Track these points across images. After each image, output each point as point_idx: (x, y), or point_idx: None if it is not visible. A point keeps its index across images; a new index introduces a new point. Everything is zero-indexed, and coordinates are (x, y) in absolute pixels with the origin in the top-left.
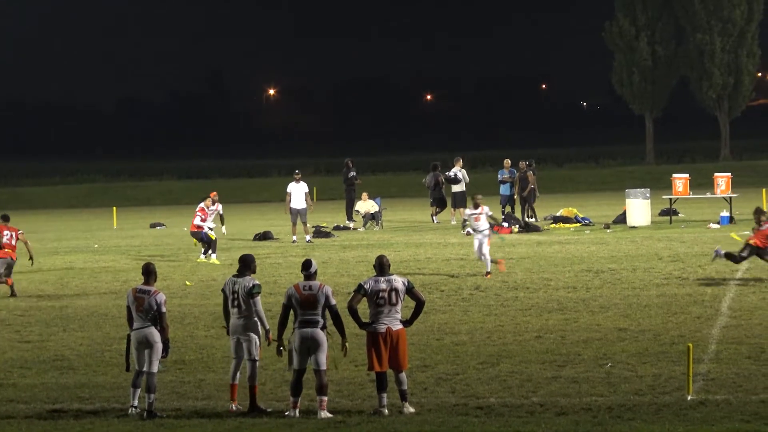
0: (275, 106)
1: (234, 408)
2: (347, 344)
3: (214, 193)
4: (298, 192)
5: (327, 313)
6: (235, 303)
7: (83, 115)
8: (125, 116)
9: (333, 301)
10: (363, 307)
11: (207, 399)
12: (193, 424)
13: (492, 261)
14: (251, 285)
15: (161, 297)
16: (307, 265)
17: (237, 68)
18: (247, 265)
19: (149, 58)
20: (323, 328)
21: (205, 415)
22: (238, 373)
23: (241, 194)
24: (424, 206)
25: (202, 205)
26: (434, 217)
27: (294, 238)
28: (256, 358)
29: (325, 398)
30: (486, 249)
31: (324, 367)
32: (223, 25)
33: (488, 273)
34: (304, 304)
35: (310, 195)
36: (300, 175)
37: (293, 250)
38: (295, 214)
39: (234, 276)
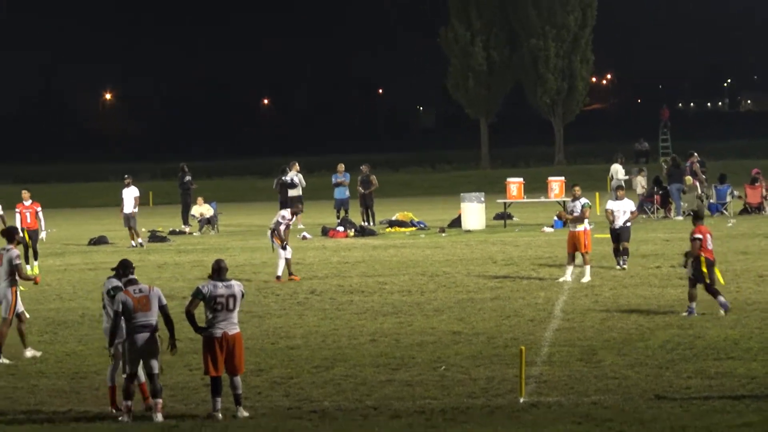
0: (111, 111)
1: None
2: (176, 343)
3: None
4: (127, 196)
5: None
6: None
7: None
8: None
9: (164, 301)
10: (200, 311)
11: (40, 404)
12: (25, 429)
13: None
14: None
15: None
16: (126, 265)
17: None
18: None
19: None
20: (155, 331)
21: (38, 420)
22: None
23: (76, 199)
24: (260, 210)
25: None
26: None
27: (132, 242)
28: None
29: (161, 401)
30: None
31: (157, 370)
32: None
33: (278, 277)
34: (137, 308)
35: (141, 199)
36: (130, 180)
37: (129, 255)
38: (125, 218)
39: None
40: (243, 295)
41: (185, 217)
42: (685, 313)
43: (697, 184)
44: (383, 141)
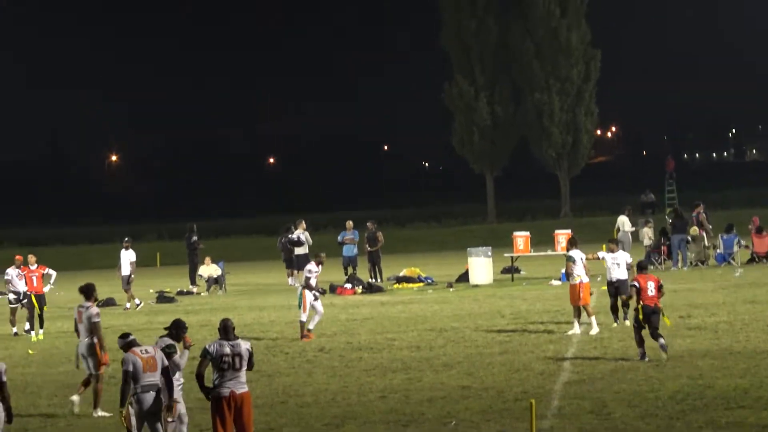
0: (117, 172)
1: None
2: (174, 406)
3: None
4: (123, 259)
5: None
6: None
7: None
8: None
9: (167, 362)
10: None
11: None
12: None
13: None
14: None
15: (2, 366)
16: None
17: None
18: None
19: None
20: (160, 392)
21: None
22: None
23: (82, 261)
24: (267, 269)
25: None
26: (290, 279)
27: (127, 305)
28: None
29: None
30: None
31: (161, 430)
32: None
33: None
34: (145, 368)
35: (148, 260)
36: (129, 243)
37: (136, 316)
38: (123, 281)
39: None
40: (251, 354)
41: (192, 277)
42: (638, 358)
43: (704, 234)
44: (389, 198)
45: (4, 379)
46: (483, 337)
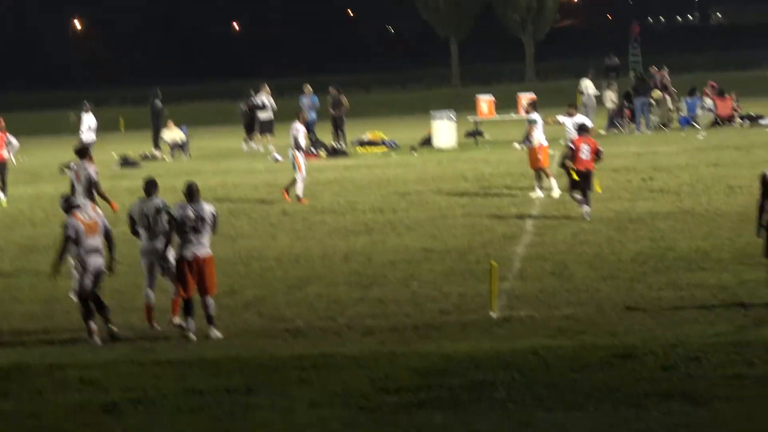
0: (81, 38)
1: (158, 327)
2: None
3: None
4: (84, 123)
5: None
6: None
7: None
8: None
9: (109, 227)
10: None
11: (14, 330)
12: None
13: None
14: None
15: None
16: (67, 198)
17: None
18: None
19: None
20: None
21: (11, 345)
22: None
23: (48, 127)
24: (231, 134)
25: None
26: (245, 144)
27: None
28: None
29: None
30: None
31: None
32: None
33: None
34: (87, 232)
35: (112, 124)
36: (88, 107)
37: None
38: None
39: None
40: (215, 218)
41: (156, 142)
42: (585, 217)
43: (667, 97)
44: (353, 62)
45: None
46: (446, 200)
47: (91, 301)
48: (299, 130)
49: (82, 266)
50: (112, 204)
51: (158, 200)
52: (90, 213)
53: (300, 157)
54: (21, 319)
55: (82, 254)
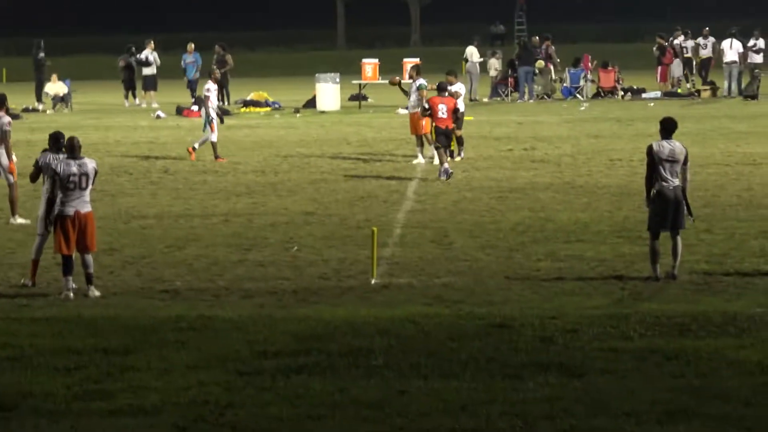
0: None
1: (30, 283)
2: None
3: None
4: None
5: None
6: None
7: None
8: None
9: None
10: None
11: None
12: None
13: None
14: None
15: None
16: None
17: None
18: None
19: None
20: None
21: None
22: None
23: None
24: (114, 89)
25: None
26: (126, 101)
27: None
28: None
29: None
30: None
31: None
32: None
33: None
34: None
35: None
36: None
37: None
38: None
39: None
40: (96, 173)
41: (39, 95)
42: (441, 177)
43: (551, 67)
44: (238, 19)
45: None
46: (328, 163)
47: None
48: (211, 90)
49: None
50: (11, 164)
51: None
52: None
53: (213, 115)
54: None
55: None
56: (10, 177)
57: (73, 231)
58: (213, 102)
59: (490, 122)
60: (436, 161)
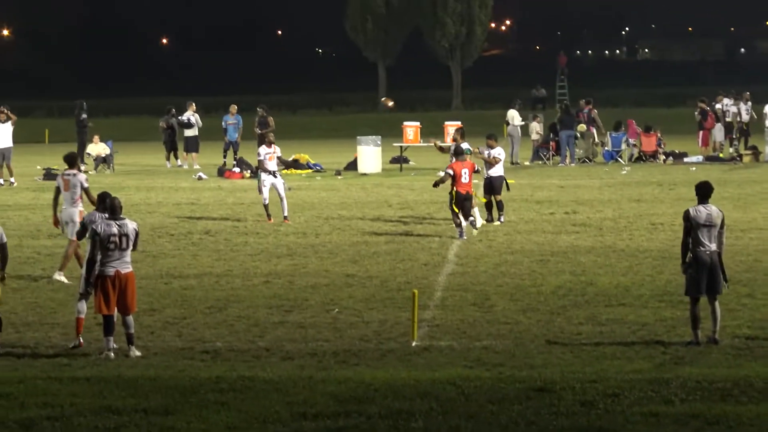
0: (9, 46)
1: (81, 341)
2: (5, 275)
3: None
4: (3, 132)
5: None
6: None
7: None
8: None
9: (5, 239)
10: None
11: None
12: None
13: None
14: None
15: None
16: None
17: None
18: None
19: None
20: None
21: None
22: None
23: None
24: (156, 150)
25: None
26: (168, 162)
27: (12, 180)
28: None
29: None
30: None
31: None
32: None
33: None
34: None
35: (36, 136)
36: (5, 115)
37: (23, 192)
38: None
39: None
40: (137, 234)
41: (81, 156)
42: (458, 237)
43: (594, 131)
44: (282, 83)
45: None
46: (369, 225)
47: None
48: (263, 153)
49: None
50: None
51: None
52: None
53: (265, 179)
54: None
55: None
56: (72, 234)
57: (113, 291)
58: (267, 165)
59: (532, 186)
60: (478, 224)
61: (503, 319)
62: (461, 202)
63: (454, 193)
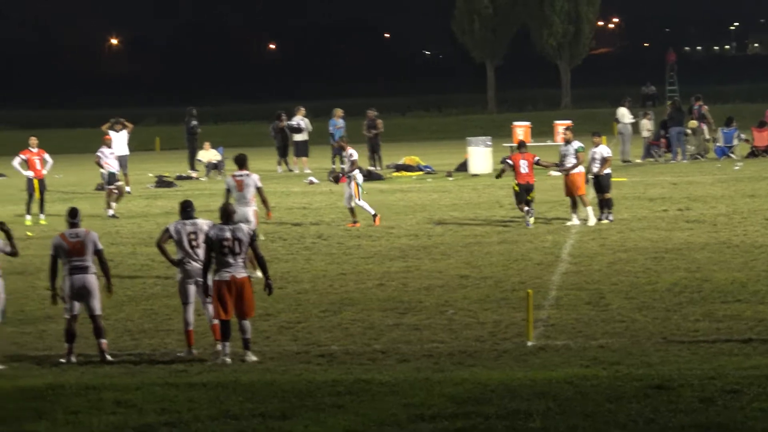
0: (117, 55)
1: (195, 353)
2: (111, 287)
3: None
4: (118, 140)
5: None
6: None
7: None
8: None
9: (100, 246)
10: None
11: (48, 350)
12: (33, 374)
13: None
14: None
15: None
16: (73, 214)
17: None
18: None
19: None
20: (90, 273)
21: (45, 365)
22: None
23: (83, 144)
24: (267, 155)
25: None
26: (279, 166)
27: (128, 188)
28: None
29: (105, 341)
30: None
31: (98, 311)
32: None
33: (376, 216)
34: (72, 252)
35: (148, 144)
36: (120, 125)
37: (136, 200)
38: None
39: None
40: (252, 238)
41: (192, 162)
42: (524, 225)
43: (705, 127)
44: (390, 85)
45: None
46: (482, 226)
47: (71, 322)
48: (354, 156)
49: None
50: (269, 214)
51: (199, 221)
52: (79, 232)
53: (360, 180)
54: (56, 339)
55: (65, 273)
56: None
57: (230, 296)
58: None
59: (644, 183)
60: (591, 222)
61: (619, 318)
62: (519, 192)
63: (515, 183)
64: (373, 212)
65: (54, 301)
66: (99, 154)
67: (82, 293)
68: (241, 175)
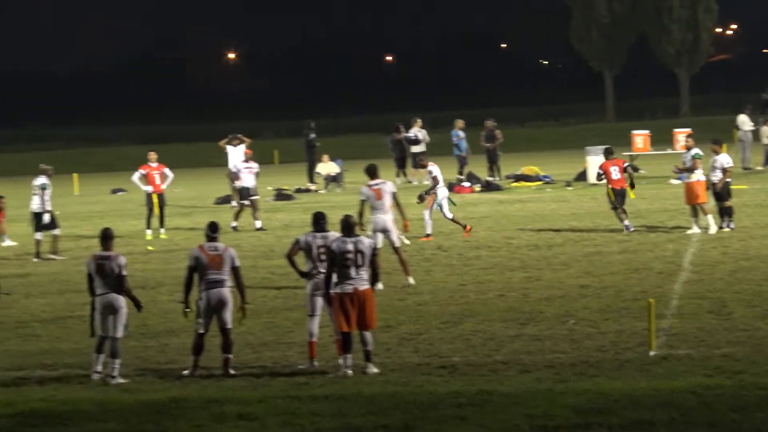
0: (234, 70)
1: (316, 365)
2: (246, 305)
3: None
4: (234, 155)
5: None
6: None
7: (37, 82)
8: (80, 81)
9: (238, 262)
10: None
11: (170, 363)
12: (156, 388)
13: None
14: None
15: (122, 260)
16: (213, 228)
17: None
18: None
19: (100, 24)
20: (226, 287)
21: (168, 379)
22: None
23: (204, 158)
24: (385, 167)
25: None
26: (397, 178)
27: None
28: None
29: (231, 356)
30: (426, 211)
31: (230, 325)
32: None
33: (428, 235)
34: (209, 265)
35: (266, 158)
36: (238, 140)
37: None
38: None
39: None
40: (374, 251)
41: (311, 175)
42: (625, 231)
43: None
44: (508, 96)
45: (125, 273)
46: (601, 236)
47: (202, 337)
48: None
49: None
50: (406, 221)
51: (331, 234)
52: (218, 246)
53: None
54: (178, 352)
55: (202, 288)
56: (398, 239)
57: (353, 308)
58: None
59: (765, 191)
60: (712, 231)
61: (742, 326)
62: (615, 197)
63: (610, 189)
64: (429, 231)
65: (185, 314)
66: (232, 168)
67: (218, 307)
68: (378, 184)
